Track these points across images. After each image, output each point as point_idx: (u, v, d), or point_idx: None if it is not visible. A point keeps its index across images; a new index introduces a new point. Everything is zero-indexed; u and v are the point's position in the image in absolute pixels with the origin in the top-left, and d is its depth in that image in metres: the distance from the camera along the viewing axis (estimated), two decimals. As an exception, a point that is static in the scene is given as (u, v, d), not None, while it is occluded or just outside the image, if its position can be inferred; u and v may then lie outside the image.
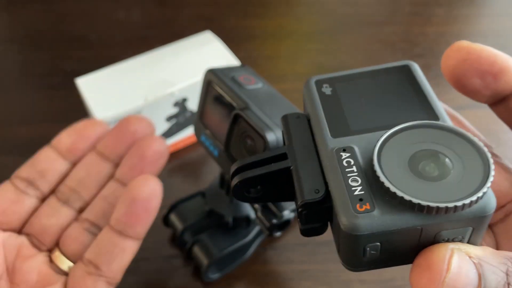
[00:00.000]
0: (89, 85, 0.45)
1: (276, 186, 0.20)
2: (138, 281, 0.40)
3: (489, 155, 0.17)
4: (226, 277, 0.40)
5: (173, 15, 0.67)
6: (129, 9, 0.68)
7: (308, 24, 0.67)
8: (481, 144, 0.17)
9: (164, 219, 0.42)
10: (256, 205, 0.36)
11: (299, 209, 0.18)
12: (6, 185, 0.34)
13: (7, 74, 0.60)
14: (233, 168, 0.21)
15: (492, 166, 0.16)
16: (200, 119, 0.36)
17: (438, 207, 0.15)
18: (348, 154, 0.18)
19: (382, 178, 0.16)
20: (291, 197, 0.20)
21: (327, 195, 0.18)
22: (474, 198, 0.15)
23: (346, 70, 0.22)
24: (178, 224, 0.41)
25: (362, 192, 0.17)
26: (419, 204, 0.15)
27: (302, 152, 0.20)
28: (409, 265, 0.18)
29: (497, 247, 0.23)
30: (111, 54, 0.58)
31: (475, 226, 0.17)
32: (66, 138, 0.35)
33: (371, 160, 0.17)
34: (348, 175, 0.17)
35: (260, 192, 0.21)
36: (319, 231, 0.20)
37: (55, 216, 0.32)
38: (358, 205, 0.16)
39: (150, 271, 0.41)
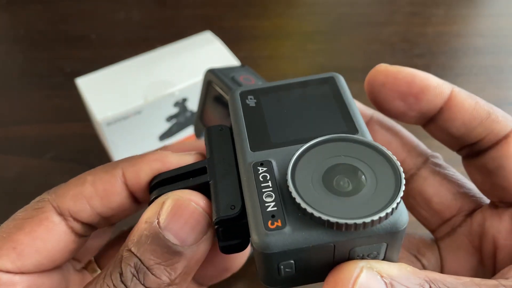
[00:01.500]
0: (89, 85, 0.45)
1: None
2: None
3: (401, 169, 0.17)
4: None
5: (173, 15, 0.67)
6: (129, 10, 0.68)
7: (308, 24, 0.67)
8: (394, 158, 0.17)
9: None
10: None
11: (215, 226, 0.18)
12: None
13: (7, 74, 0.60)
14: (152, 182, 0.20)
15: (403, 181, 0.16)
16: (200, 119, 0.36)
17: (347, 224, 0.15)
18: (265, 169, 0.18)
19: (294, 194, 0.16)
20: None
21: (243, 211, 0.18)
22: (383, 214, 0.15)
23: (273, 81, 0.22)
24: None
25: (275, 209, 0.16)
26: (328, 220, 0.15)
27: (221, 166, 0.19)
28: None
29: (442, 263, 0.23)
30: (111, 54, 0.58)
31: (389, 242, 0.16)
32: None
33: (285, 174, 0.17)
34: (263, 190, 0.17)
35: None
36: (239, 247, 0.19)
37: None
38: (269, 222, 0.16)
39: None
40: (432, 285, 0.16)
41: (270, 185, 0.17)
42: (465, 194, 0.23)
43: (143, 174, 0.20)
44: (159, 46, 0.49)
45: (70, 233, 0.20)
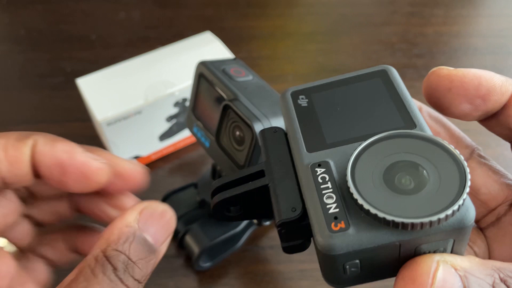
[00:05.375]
0: (90, 85, 0.45)
1: (256, 204, 0.20)
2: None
3: (465, 164, 0.16)
4: (225, 276, 0.41)
5: (173, 16, 0.67)
6: (129, 10, 0.68)
7: (308, 25, 0.67)
8: (457, 153, 0.17)
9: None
10: None
11: (278, 228, 0.18)
12: None
13: (7, 74, 0.60)
14: (212, 187, 0.21)
15: (468, 176, 0.16)
16: (192, 111, 0.37)
17: (413, 223, 0.15)
18: (323, 170, 0.18)
19: (356, 195, 0.16)
20: (272, 214, 0.19)
21: (304, 213, 0.18)
22: (449, 211, 0.15)
23: (323, 79, 0.22)
24: None
25: (337, 210, 0.16)
26: (393, 221, 0.15)
27: (279, 169, 0.20)
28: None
29: (489, 251, 0.23)
30: (111, 55, 0.58)
31: (456, 238, 0.16)
32: None
33: (345, 175, 0.17)
34: (323, 192, 0.17)
35: (240, 211, 0.21)
36: (302, 247, 0.19)
37: None
38: (333, 224, 0.16)
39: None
40: (501, 274, 0.16)
41: (330, 186, 0.17)
42: (509, 185, 0.23)
43: (48, 158, 0.21)
44: (159, 46, 0.49)
45: None
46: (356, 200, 0.16)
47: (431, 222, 0.15)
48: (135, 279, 0.19)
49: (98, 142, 0.50)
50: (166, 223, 0.21)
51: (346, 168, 0.17)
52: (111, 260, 0.19)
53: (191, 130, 0.37)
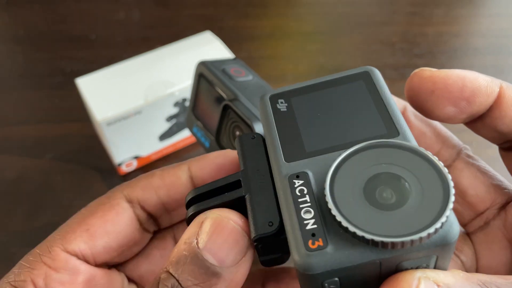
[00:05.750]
0: (89, 85, 0.45)
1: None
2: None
3: (449, 177, 0.15)
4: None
5: (173, 16, 0.67)
6: (129, 10, 0.68)
7: (308, 24, 0.67)
8: (441, 165, 0.16)
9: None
10: None
11: (254, 243, 0.17)
12: None
13: (7, 74, 0.60)
14: (187, 198, 0.20)
15: (452, 191, 0.15)
16: (192, 111, 0.37)
17: (393, 243, 0.14)
18: (301, 182, 0.17)
19: (334, 211, 0.15)
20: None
21: (282, 227, 0.17)
22: (432, 230, 0.14)
23: (304, 81, 0.21)
24: None
25: (315, 226, 0.15)
26: (372, 239, 0.14)
27: (256, 179, 0.19)
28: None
29: (477, 258, 0.22)
30: (111, 54, 0.58)
31: (439, 254, 0.15)
32: None
33: (323, 189, 0.16)
34: (301, 206, 0.16)
35: None
36: (280, 261, 0.19)
37: None
38: (310, 242, 0.15)
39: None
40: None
41: (308, 200, 0.16)
42: (498, 186, 0.22)
43: (208, 167, 0.21)
44: (159, 46, 0.49)
45: (136, 221, 0.21)
46: (334, 216, 0.15)
47: (412, 241, 0.14)
48: None
49: (98, 142, 0.50)
50: (236, 236, 0.17)
51: (324, 181, 0.16)
52: (161, 283, 0.17)
53: (191, 130, 0.37)
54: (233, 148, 0.32)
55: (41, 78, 0.58)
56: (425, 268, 0.16)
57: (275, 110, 0.20)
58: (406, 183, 0.16)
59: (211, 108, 0.34)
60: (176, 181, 0.21)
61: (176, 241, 0.23)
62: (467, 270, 0.23)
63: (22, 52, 0.62)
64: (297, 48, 0.63)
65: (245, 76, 0.34)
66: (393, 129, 0.18)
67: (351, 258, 0.15)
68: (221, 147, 0.33)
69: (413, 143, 0.17)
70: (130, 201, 0.21)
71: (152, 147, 0.48)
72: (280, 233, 0.17)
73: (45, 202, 0.44)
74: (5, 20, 0.68)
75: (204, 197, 0.20)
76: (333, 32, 0.65)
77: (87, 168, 0.48)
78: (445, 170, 0.16)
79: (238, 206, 0.19)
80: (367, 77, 0.20)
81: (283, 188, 0.17)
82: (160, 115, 0.46)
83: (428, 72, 0.20)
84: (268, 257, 0.18)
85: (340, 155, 0.16)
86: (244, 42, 0.63)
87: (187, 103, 0.46)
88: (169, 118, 0.47)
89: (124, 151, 0.46)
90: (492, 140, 0.22)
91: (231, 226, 0.17)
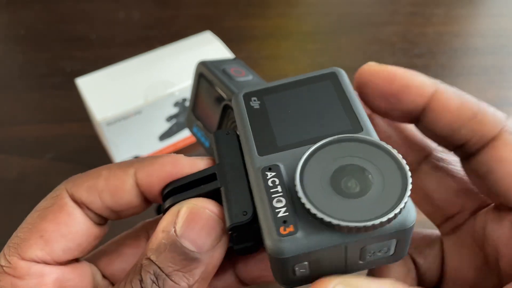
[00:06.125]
0: (89, 85, 0.45)
1: None
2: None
3: (407, 167, 0.17)
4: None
5: (173, 16, 0.67)
6: (129, 10, 0.68)
7: (308, 24, 0.67)
8: (400, 157, 0.17)
9: (157, 209, 0.42)
10: None
11: (229, 232, 0.18)
12: None
13: (7, 74, 0.60)
14: (164, 191, 0.20)
15: (409, 180, 0.16)
16: (192, 111, 0.37)
17: (357, 227, 0.16)
18: (273, 173, 0.18)
19: (303, 199, 0.16)
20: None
21: (255, 216, 0.18)
22: (391, 215, 0.16)
23: (275, 81, 0.22)
24: None
25: (286, 214, 0.17)
26: (338, 224, 0.16)
27: (231, 172, 0.20)
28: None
29: (445, 260, 0.22)
30: (111, 54, 0.58)
31: (398, 238, 0.17)
32: None
33: (294, 179, 0.17)
34: (273, 195, 0.17)
35: None
36: (253, 249, 0.20)
37: None
38: (282, 228, 0.16)
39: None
40: None
41: (280, 190, 0.17)
42: (469, 191, 0.22)
43: (155, 175, 0.20)
44: (159, 46, 0.49)
45: (88, 220, 0.21)
46: (303, 204, 0.16)
47: (374, 225, 0.16)
48: None
49: (98, 142, 0.50)
50: (212, 223, 0.18)
51: (295, 172, 0.17)
52: (143, 270, 0.18)
53: (191, 130, 0.37)
54: None
55: (41, 78, 0.58)
56: (386, 252, 0.17)
57: (249, 108, 0.21)
58: (369, 174, 0.17)
59: (211, 108, 0.34)
60: (121, 186, 0.20)
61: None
62: (421, 273, 0.23)
63: (22, 52, 0.62)
64: (297, 48, 0.63)
65: (245, 76, 0.34)
66: (357, 125, 0.19)
67: (319, 243, 0.16)
68: None
69: (375, 137, 0.19)
70: (75, 201, 0.21)
71: (152, 147, 0.48)
72: (253, 222, 0.18)
73: (45, 202, 0.44)
74: (5, 20, 0.68)
75: (181, 190, 0.20)
76: (333, 32, 0.65)
77: (87, 168, 0.48)
78: (404, 162, 0.17)
79: (214, 197, 0.19)
80: (334, 78, 0.22)
81: (256, 180, 0.18)
82: (160, 115, 0.46)
83: (368, 65, 0.21)
84: (242, 246, 0.20)
85: (309, 148, 0.18)
86: (244, 42, 0.63)
87: (187, 103, 0.46)
88: (169, 118, 0.47)
89: (124, 151, 0.46)
90: (441, 145, 0.22)
91: (207, 214, 0.18)
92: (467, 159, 0.21)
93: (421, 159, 0.23)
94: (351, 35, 0.65)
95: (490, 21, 0.67)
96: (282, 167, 0.18)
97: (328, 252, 0.16)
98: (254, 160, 0.19)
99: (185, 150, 0.50)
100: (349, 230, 0.16)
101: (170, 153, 0.21)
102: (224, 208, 0.19)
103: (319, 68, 0.56)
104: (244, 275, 0.23)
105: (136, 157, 0.47)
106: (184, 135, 0.49)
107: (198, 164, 0.21)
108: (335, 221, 0.16)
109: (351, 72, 0.23)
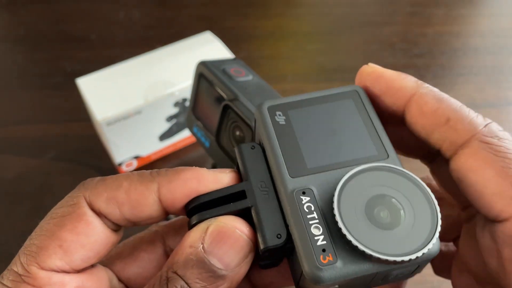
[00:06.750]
0: (90, 85, 0.45)
1: None
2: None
3: (436, 202, 0.18)
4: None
5: (173, 16, 0.67)
6: (129, 10, 0.68)
7: (308, 25, 0.67)
8: (429, 190, 0.18)
9: None
10: None
11: (263, 253, 0.19)
12: None
13: (7, 74, 0.60)
14: (190, 206, 0.20)
15: (439, 216, 0.17)
16: (192, 111, 0.37)
17: (395, 261, 0.17)
18: (308, 198, 0.18)
19: (344, 231, 0.17)
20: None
21: (288, 238, 0.18)
22: (420, 254, 0.17)
23: (297, 95, 0.22)
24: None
25: (324, 242, 0.17)
26: (378, 258, 0.16)
27: (260, 190, 0.20)
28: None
29: (459, 242, 0.23)
30: (111, 54, 0.58)
31: (421, 264, 0.18)
32: None
33: (331, 208, 0.18)
34: (310, 222, 0.18)
35: None
36: (276, 264, 0.21)
37: None
38: (321, 257, 0.17)
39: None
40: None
41: (316, 217, 0.18)
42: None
43: (179, 192, 0.20)
44: (159, 46, 0.49)
45: (106, 228, 0.21)
46: (344, 235, 0.17)
47: (409, 260, 0.17)
48: None
49: (98, 142, 0.50)
50: (241, 243, 0.19)
51: (329, 199, 0.18)
52: (170, 283, 0.18)
53: (191, 130, 0.37)
54: (233, 148, 0.32)
55: (41, 78, 0.58)
56: (407, 274, 0.18)
57: (274, 122, 0.21)
58: (401, 205, 0.18)
59: (211, 108, 0.34)
60: (142, 201, 0.20)
61: (165, 245, 0.23)
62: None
63: (22, 52, 0.62)
64: (297, 48, 0.63)
65: (245, 76, 0.34)
66: (382, 151, 0.20)
67: (356, 271, 0.17)
68: (221, 147, 0.33)
69: (400, 165, 0.19)
70: (94, 210, 0.20)
71: (152, 147, 0.48)
72: (286, 244, 0.19)
73: (45, 202, 0.44)
74: (5, 20, 0.68)
75: (208, 206, 0.20)
76: (333, 32, 0.65)
77: (87, 168, 0.48)
78: (433, 196, 0.18)
79: (243, 215, 0.20)
80: (355, 96, 0.22)
81: (290, 204, 0.18)
82: (160, 115, 0.46)
83: (364, 67, 0.22)
84: (267, 262, 0.20)
85: (343, 176, 0.18)
86: (244, 42, 0.63)
87: (187, 103, 0.46)
88: (169, 118, 0.47)
89: (124, 151, 0.46)
90: (418, 155, 0.22)
91: (237, 234, 0.19)
92: (439, 167, 0.21)
93: (469, 138, 0.21)
94: (351, 35, 0.65)
95: (490, 21, 0.67)
96: (315, 191, 0.18)
97: (360, 278, 0.17)
98: (286, 182, 0.19)
99: (185, 150, 0.50)
100: (387, 263, 0.17)
101: (192, 166, 0.21)
102: (257, 229, 0.19)
103: (319, 68, 0.56)
104: (258, 282, 0.23)
105: (137, 157, 0.47)
106: (184, 135, 0.49)
107: (222, 179, 0.21)
108: (375, 254, 0.16)
109: (351, 72, 0.23)
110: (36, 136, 0.51)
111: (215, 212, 0.20)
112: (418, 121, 0.20)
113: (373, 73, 0.21)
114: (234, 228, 0.19)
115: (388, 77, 0.21)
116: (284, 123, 0.21)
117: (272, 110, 0.21)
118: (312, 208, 0.18)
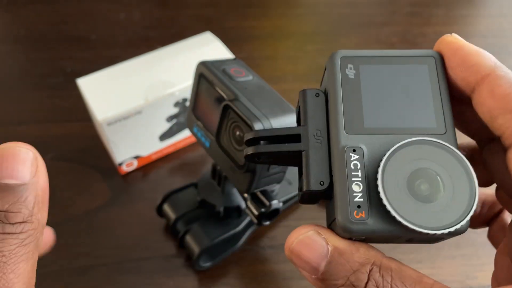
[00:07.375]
0: (90, 85, 0.45)
1: (285, 159, 0.22)
2: (131, 269, 0.40)
3: (476, 184, 0.18)
4: (225, 276, 0.41)
5: (174, 16, 0.67)
6: (129, 10, 0.68)
7: (307, 25, 0.67)
8: (472, 171, 0.18)
9: (157, 209, 0.42)
10: (246, 194, 0.38)
11: (302, 193, 0.20)
12: None
13: (7, 74, 0.60)
14: (248, 136, 0.22)
15: (477, 196, 0.18)
16: (192, 111, 0.37)
17: (421, 232, 0.17)
18: (356, 157, 0.19)
19: (382, 195, 0.18)
20: (297, 165, 0.21)
21: (330, 186, 0.19)
22: (452, 229, 0.17)
23: (374, 50, 0.22)
24: (171, 214, 0.42)
25: (361, 200, 0.18)
26: (407, 226, 0.17)
27: (315, 138, 0.21)
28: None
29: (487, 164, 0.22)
30: (112, 55, 0.58)
31: (445, 237, 0.19)
32: None
33: (376, 172, 0.18)
34: (353, 179, 0.18)
35: (270, 159, 0.22)
36: (314, 202, 0.21)
37: None
38: (355, 212, 0.18)
39: (143, 259, 0.41)
40: (375, 268, 0.18)
41: (360, 175, 0.19)
42: None
43: None
44: (159, 47, 0.49)
45: None
46: (381, 199, 0.18)
47: (434, 234, 0.17)
48: (16, 223, 0.19)
49: (99, 142, 0.50)
50: (23, 157, 0.19)
51: (376, 162, 0.19)
52: None
53: (191, 130, 0.37)
54: (233, 148, 0.32)
55: (42, 78, 0.58)
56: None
57: (343, 75, 0.21)
58: (442, 181, 0.18)
59: (211, 108, 0.34)
60: None
61: None
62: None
63: (23, 52, 0.63)
64: (297, 48, 0.63)
65: (245, 76, 0.34)
66: (441, 125, 0.20)
67: (383, 231, 0.18)
68: (221, 147, 0.33)
69: (455, 144, 0.20)
70: None
71: (153, 147, 0.48)
72: (327, 190, 0.20)
73: (45, 202, 0.44)
74: (6, 20, 0.68)
75: (263, 139, 0.22)
76: (333, 32, 0.65)
77: (87, 168, 0.48)
78: (475, 176, 0.18)
79: (294, 156, 0.21)
80: (431, 62, 0.21)
81: (339, 158, 0.19)
82: (161, 115, 0.46)
83: (446, 36, 0.21)
84: (305, 200, 0.21)
85: (392, 145, 0.19)
86: (244, 42, 0.63)
87: (187, 103, 0.46)
88: (169, 118, 0.47)
89: (124, 151, 0.46)
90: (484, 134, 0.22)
91: (16, 151, 0.19)
92: (498, 152, 0.21)
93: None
94: (351, 35, 0.65)
95: (490, 21, 0.67)
96: (365, 151, 0.19)
97: (385, 236, 0.18)
98: (340, 136, 0.20)
99: (185, 150, 0.50)
100: (412, 231, 0.17)
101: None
102: (303, 172, 0.20)
103: (319, 68, 0.56)
104: None
105: (137, 157, 0.47)
106: (184, 135, 0.49)
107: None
108: (404, 222, 0.17)
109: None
110: (36, 136, 0.51)
111: (270, 148, 0.21)
112: (486, 102, 0.19)
113: (453, 44, 0.21)
114: (15, 147, 0.19)
115: (467, 50, 0.20)
116: (353, 77, 0.21)
117: (345, 61, 0.21)
118: (358, 167, 0.19)
